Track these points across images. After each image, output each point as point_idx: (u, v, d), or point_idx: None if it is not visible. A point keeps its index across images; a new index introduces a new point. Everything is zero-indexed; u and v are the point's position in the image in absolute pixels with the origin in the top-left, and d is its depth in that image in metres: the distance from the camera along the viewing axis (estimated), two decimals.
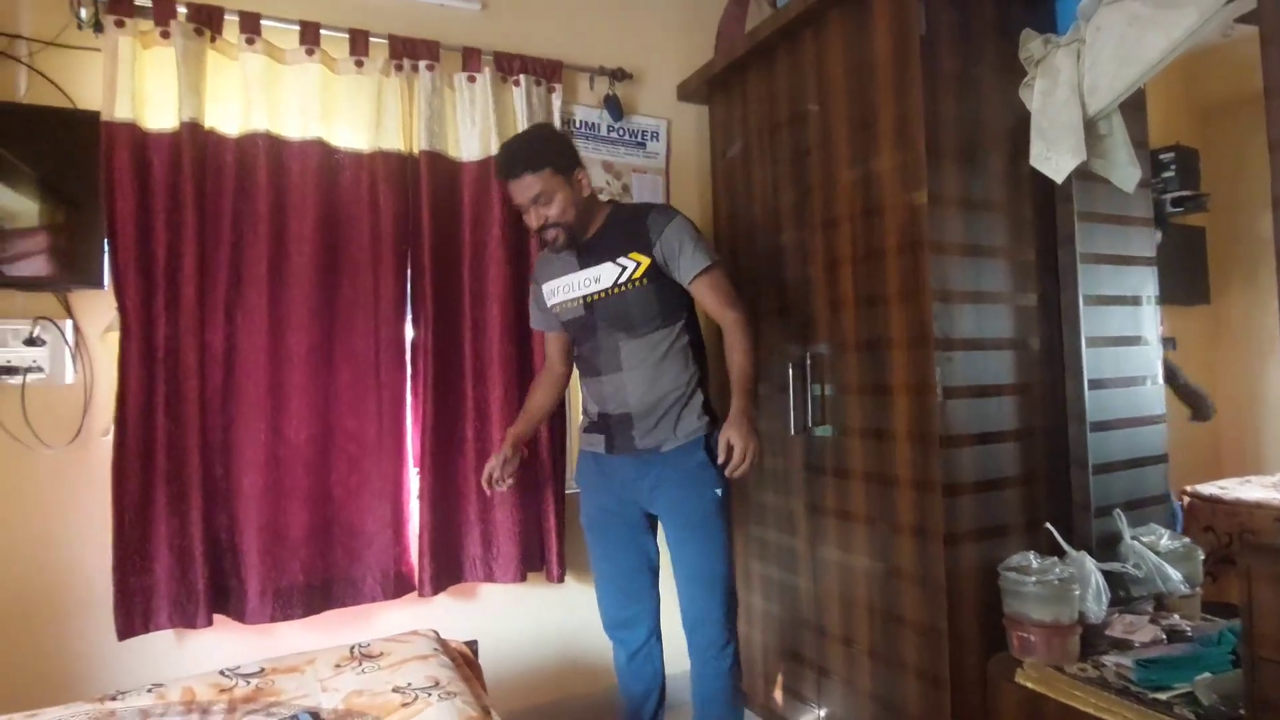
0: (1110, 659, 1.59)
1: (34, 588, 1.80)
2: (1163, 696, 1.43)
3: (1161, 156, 2.55)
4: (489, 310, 2.19)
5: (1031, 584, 1.62)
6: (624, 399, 1.81)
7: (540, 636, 2.29)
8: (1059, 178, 1.75)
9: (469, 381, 2.18)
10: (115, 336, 1.84)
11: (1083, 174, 1.81)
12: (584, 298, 1.82)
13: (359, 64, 2.05)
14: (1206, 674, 1.43)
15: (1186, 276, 2.92)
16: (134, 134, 1.84)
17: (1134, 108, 1.92)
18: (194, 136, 1.88)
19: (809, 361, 2.05)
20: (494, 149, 2.19)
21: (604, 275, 1.80)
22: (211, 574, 1.88)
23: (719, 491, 1.78)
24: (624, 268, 1.78)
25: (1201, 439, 2.68)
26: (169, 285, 1.87)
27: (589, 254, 1.83)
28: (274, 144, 1.98)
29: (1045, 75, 1.79)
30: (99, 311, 1.87)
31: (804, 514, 2.10)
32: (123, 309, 1.82)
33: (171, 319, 1.88)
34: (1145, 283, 2.05)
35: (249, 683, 1.40)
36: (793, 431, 2.09)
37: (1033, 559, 1.67)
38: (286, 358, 1.98)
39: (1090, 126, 1.76)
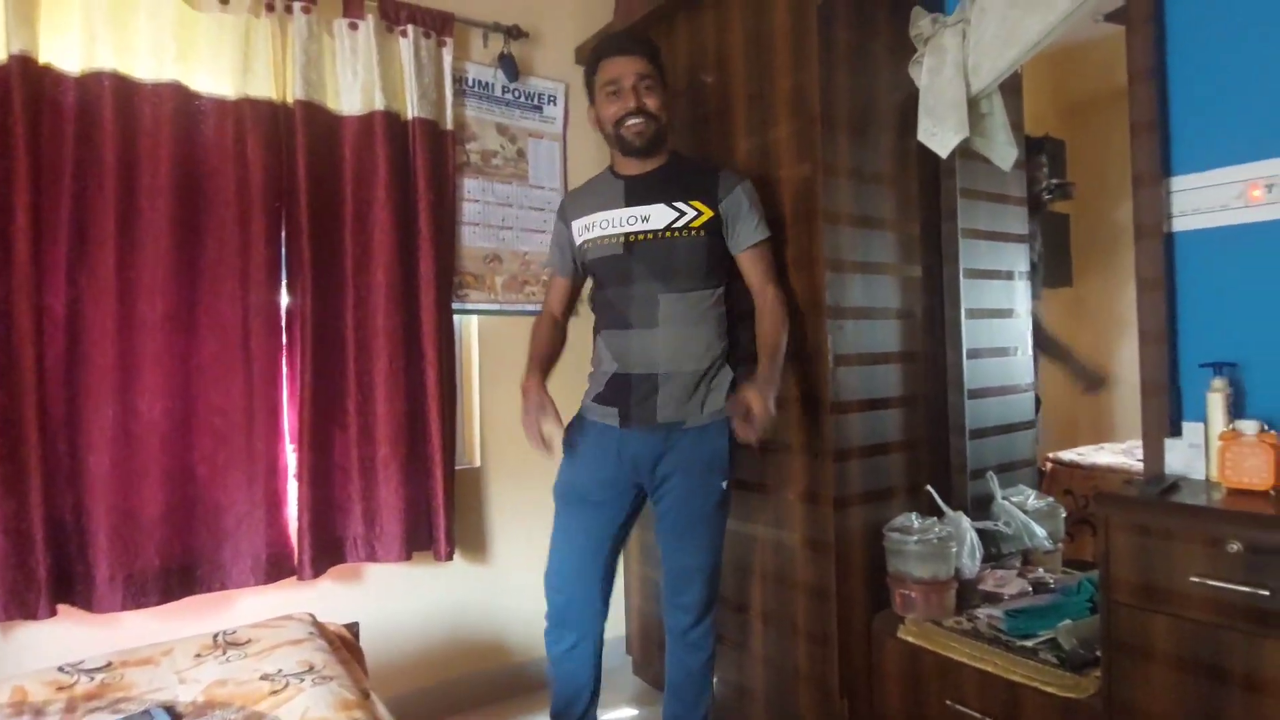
0: (983, 611, 1.68)
1: None
2: (1029, 644, 1.52)
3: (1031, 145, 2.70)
4: (373, 277, 2.06)
5: (913, 543, 1.68)
6: (653, 358, 1.65)
7: (427, 617, 2.20)
8: (944, 153, 1.81)
9: (351, 352, 2.05)
10: None
11: (963, 152, 1.88)
12: (626, 236, 1.67)
13: (223, 1, 1.86)
14: (1067, 620, 1.53)
15: (1052, 260, 3.13)
16: None
17: (1011, 91, 2.01)
18: (25, 72, 1.66)
19: None
20: (378, 104, 2.06)
21: (655, 216, 1.65)
22: (54, 559, 1.69)
23: (726, 485, 1.69)
24: (681, 213, 1.65)
25: (1062, 411, 2.88)
26: None
27: (640, 191, 1.68)
28: (122, 85, 1.78)
29: (933, 53, 1.84)
30: None
31: None
32: None
33: (2, 279, 1.65)
34: (1018, 258, 2.17)
35: (93, 678, 1.25)
36: None
37: (914, 520, 1.74)
38: (140, 324, 1.79)
39: (972, 105, 1.83)
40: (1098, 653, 1.43)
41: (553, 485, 1.79)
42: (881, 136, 1.86)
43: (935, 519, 1.76)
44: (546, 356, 1.79)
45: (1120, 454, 2.98)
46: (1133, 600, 1.26)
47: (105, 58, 1.75)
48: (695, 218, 1.65)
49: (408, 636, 2.15)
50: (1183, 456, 1.48)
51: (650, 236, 1.66)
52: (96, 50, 1.75)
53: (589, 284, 1.88)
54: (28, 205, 1.66)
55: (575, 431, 1.78)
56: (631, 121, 1.65)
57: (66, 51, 1.74)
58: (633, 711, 2.25)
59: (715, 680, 1.85)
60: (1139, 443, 3.15)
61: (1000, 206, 2.11)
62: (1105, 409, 3.43)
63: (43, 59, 1.70)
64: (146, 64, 1.81)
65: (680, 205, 1.66)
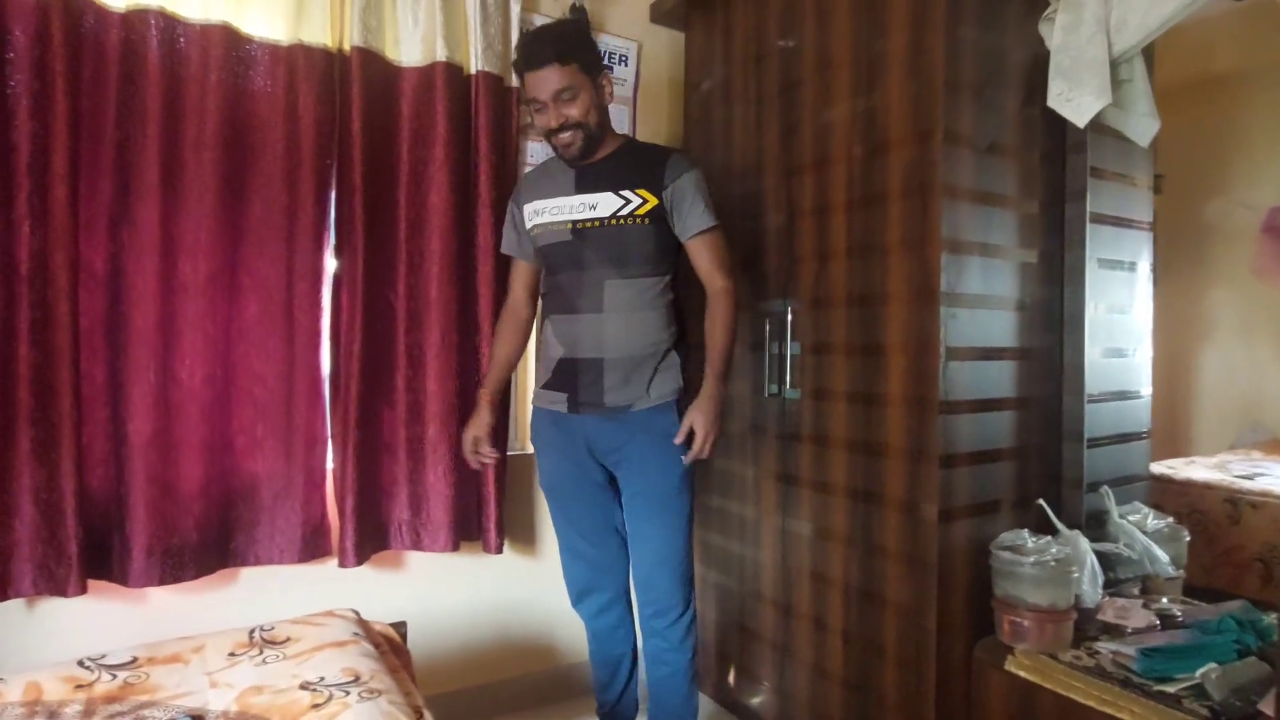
0: (1105, 646, 1.47)
1: None
2: (1170, 689, 1.31)
3: None
4: (428, 242, 1.91)
5: (1029, 565, 1.48)
6: (600, 343, 1.65)
7: (475, 613, 2.06)
8: (1082, 121, 1.58)
9: (401, 324, 1.90)
10: None
11: (1090, 125, 1.65)
12: (574, 223, 1.66)
13: None
14: (1214, 664, 1.32)
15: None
16: None
17: (1147, 60, 1.77)
18: (66, 3, 1.52)
19: (789, 317, 1.85)
20: (439, 55, 1.89)
21: (602, 204, 1.64)
22: (87, 533, 1.58)
23: (685, 464, 1.66)
24: (627, 201, 1.64)
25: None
26: (35, 187, 1.52)
27: (589, 179, 1.67)
28: (169, 24, 1.64)
29: (1069, 9, 1.61)
30: None
31: (773, 484, 1.92)
32: None
33: (39, 229, 1.52)
34: (1142, 248, 1.93)
35: (115, 676, 1.12)
36: (766, 394, 1.90)
37: (1027, 537, 1.53)
38: (181, 285, 1.67)
39: (1111, 69, 1.60)
40: (1260, 706, 1.22)
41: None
42: (1006, 102, 1.64)
43: (1050, 538, 1.55)
44: (505, 361, 1.83)
45: (1214, 469, 2.74)
46: None
47: None
48: (640, 205, 1.64)
49: (453, 632, 2.02)
50: None
51: (598, 224, 1.65)
52: None
53: None
54: (67, 149, 1.53)
55: (535, 425, 1.82)
56: (560, 137, 1.63)
57: None
58: None
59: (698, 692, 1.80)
60: (1231, 456, 2.91)
61: (1127, 189, 1.88)
62: (1182, 419, 3.18)
63: None
64: (196, 2, 1.66)
65: (627, 193, 1.65)
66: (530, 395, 2.16)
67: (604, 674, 1.85)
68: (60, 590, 1.56)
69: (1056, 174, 1.73)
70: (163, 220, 1.64)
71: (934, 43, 1.51)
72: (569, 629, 2.17)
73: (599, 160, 1.68)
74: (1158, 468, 2.69)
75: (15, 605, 1.58)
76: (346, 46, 1.81)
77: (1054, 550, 1.50)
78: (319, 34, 1.77)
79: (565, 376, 1.69)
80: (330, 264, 1.83)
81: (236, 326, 1.73)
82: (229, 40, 1.69)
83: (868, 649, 1.66)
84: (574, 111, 1.59)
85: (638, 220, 1.64)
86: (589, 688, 2.02)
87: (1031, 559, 1.48)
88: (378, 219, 1.85)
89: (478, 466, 1.83)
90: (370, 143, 1.82)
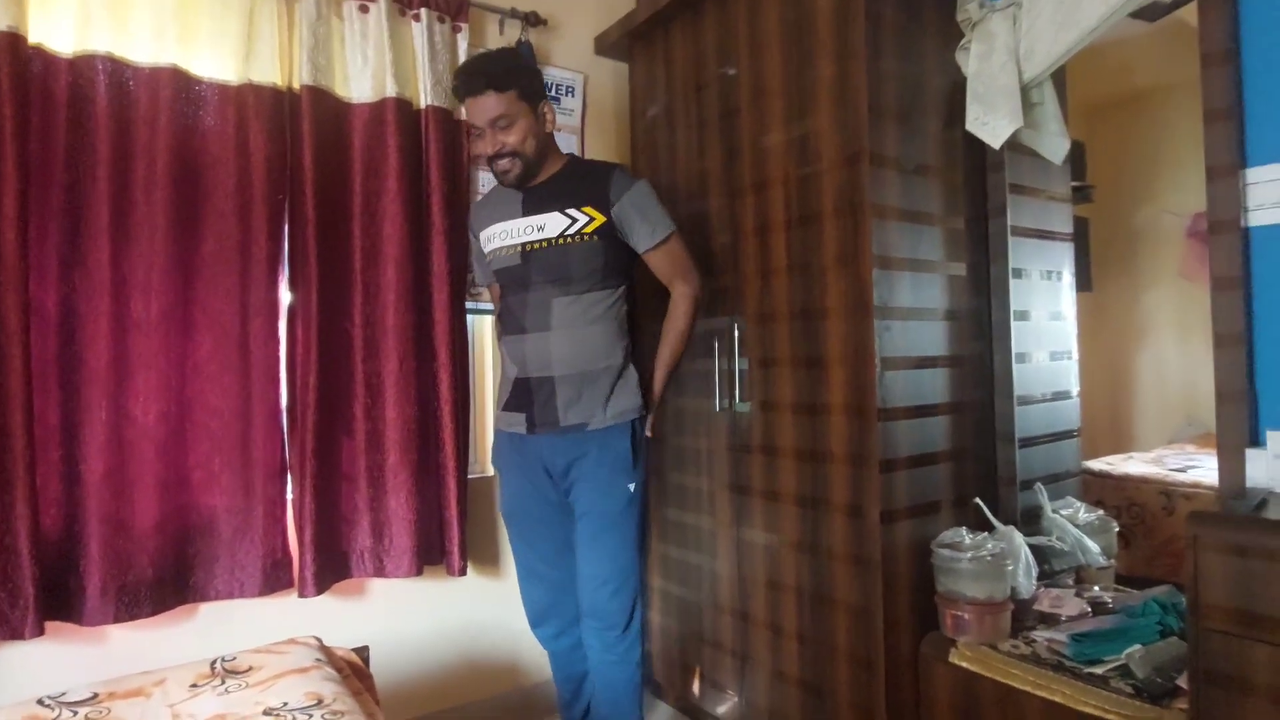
0: (1040, 634, 1.56)
1: None
2: (1098, 670, 1.40)
3: None
4: (383, 272, 1.94)
5: (966, 561, 1.56)
6: (547, 360, 1.68)
7: (439, 636, 2.07)
8: (996, 143, 1.69)
9: (359, 353, 1.93)
10: None
11: (1008, 146, 1.76)
12: (522, 245, 1.70)
13: None
14: (1138, 646, 1.41)
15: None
16: None
17: (1056, 85, 1.90)
18: (14, 51, 1.54)
19: (736, 333, 1.93)
20: (389, 91, 1.94)
21: (549, 224, 1.68)
22: (42, 574, 1.56)
23: (634, 487, 1.72)
24: (573, 220, 1.67)
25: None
26: None
27: (536, 201, 1.71)
28: (117, 69, 1.67)
29: (982, 39, 1.73)
30: None
31: (727, 495, 1.99)
32: None
33: None
34: (1063, 258, 2.06)
35: (75, 713, 1.13)
36: (718, 408, 1.97)
37: (965, 535, 1.62)
38: (134, 323, 1.68)
39: (1023, 94, 1.72)
40: (1178, 682, 1.31)
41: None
42: (928, 125, 1.74)
43: (986, 534, 1.64)
44: None
45: (1150, 463, 2.88)
46: (1228, 627, 1.14)
47: (101, 39, 1.64)
48: (587, 224, 1.67)
49: (418, 657, 2.03)
50: (1266, 468, 1.36)
51: (545, 245, 1.68)
52: (91, 31, 1.64)
53: None
54: (16, 194, 1.54)
55: (497, 449, 1.84)
56: (498, 164, 1.68)
57: (59, 31, 1.63)
58: None
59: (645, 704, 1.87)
60: (1167, 451, 3.05)
61: (1046, 203, 2.00)
62: (1123, 416, 3.33)
63: (33, 38, 1.58)
64: (144, 46, 1.70)
65: (573, 212, 1.68)
66: (489, 417, 2.21)
67: (566, 692, 1.88)
68: (17, 634, 1.55)
69: (979, 191, 1.85)
70: (114, 260, 1.65)
71: (857, 73, 1.61)
72: (534, 649, 2.18)
73: (544, 181, 1.72)
74: (1098, 464, 2.83)
75: None
76: (296, 85, 1.85)
77: (990, 546, 1.59)
78: (269, 73, 1.81)
79: (521, 397, 1.71)
80: (285, 297, 1.86)
81: (191, 363, 1.74)
82: (178, 82, 1.72)
83: (822, 650, 1.72)
84: (511, 139, 1.63)
85: (585, 238, 1.66)
86: (554, 706, 2.04)
87: (969, 555, 1.56)
88: (332, 250, 1.88)
89: None
90: (322, 177, 1.86)
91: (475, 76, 1.62)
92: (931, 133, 1.75)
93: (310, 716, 1.10)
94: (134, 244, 1.67)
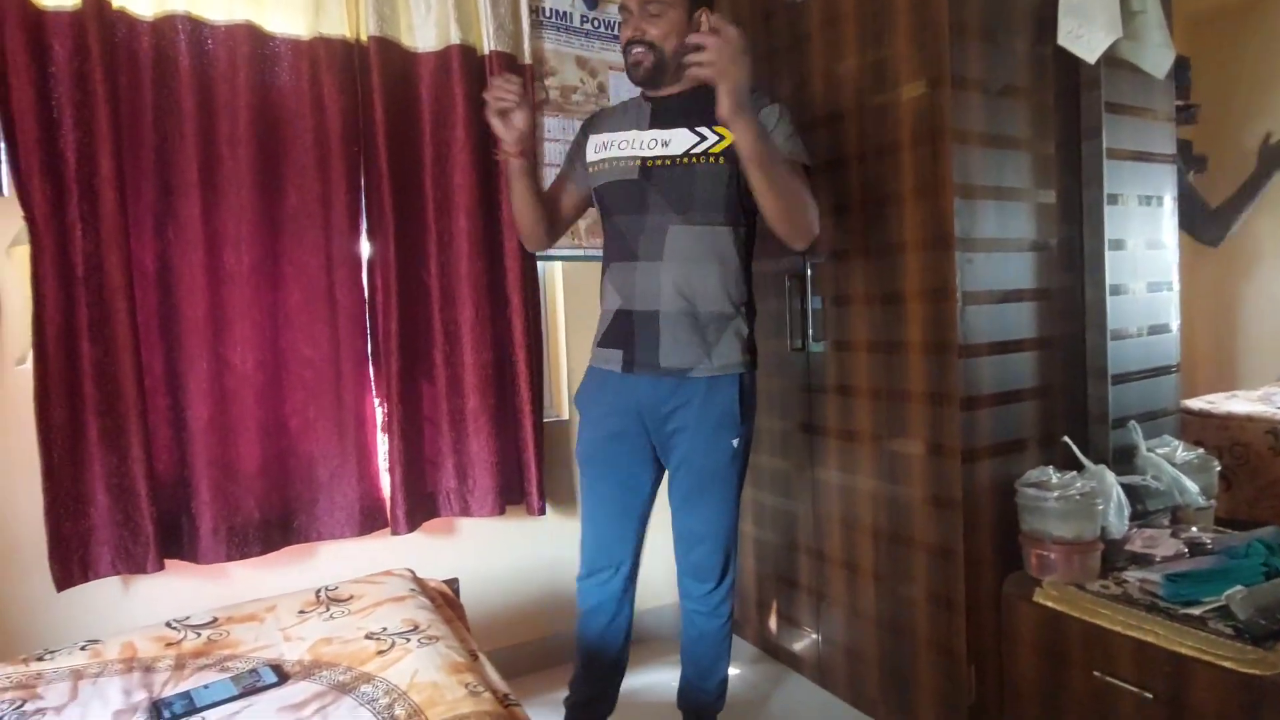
0: (1132, 574, 1.51)
1: None
2: (1195, 611, 1.35)
3: None
4: (456, 222, 1.97)
5: (1053, 500, 1.52)
6: (656, 293, 1.52)
7: (521, 572, 2.16)
8: (1092, 57, 1.58)
9: (436, 302, 1.98)
10: (24, 251, 1.59)
11: (1105, 60, 1.64)
12: (643, 159, 1.53)
13: None
14: (1239, 587, 1.35)
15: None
16: (25, 11, 1.54)
17: None
18: (100, 15, 1.60)
19: (809, 272, 1.88)
20: (453, 38, 1.94)
21: (675, 140, 1.52)
22: (159, 514, 1.69)
23: (737, 443, 1.56)
24: (702, 137, 1.50)
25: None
26: (84, 192, 1.61)
27: (665, 114, 1.55)
28: (195, 27, 1.71)
29: None
30: (0, 222, 1.61)
31: (801, 436, 1.98)
32: (31, 219, 1.57)
33: (90, 231, 1.62)
34: (1165, 182, 1.92)
35: (199, 634, 1.23)
36: (790, 349, 1.95)
37: (1052, 474, 1.57)
38: (227, 276, 1.76)
39: (1122, 2, 1.59)
40: None
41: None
42: (1015, 42, 1.63)
43: (1075, 473, 1.58)
44: (534, 190, 1.60)
45: (1256, 401, 2.71)
46: None
47: None
48: (716, 142, 1.50)
49: (504, 591, 2.12)
50: None
51: (668, 161, 1.52)
52: None
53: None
54: (112, 155, 1.62)
55: (584, 386, 1.68)
56: (632, 50, 1.52)
57: None
58: (733, 671, 2.18)
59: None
60: (1275, 388, 2.85)
61: (1146, 123, 1.86)
62: (1228, 351, 3.12)
63: (116, 3, 1.64)
64: (219, 4, 1.73)
65: (702, 130, 1.51)
66: (563, 360, 2.24)
67: (592, 654, 1.69)
68: (140, 568, 1.69)
69: (1072, 112, 1.73)
70: (204, 215, 1.72)
71: None
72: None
73: (676, 94, 1.55)
74: (1198, 403, 2.67)
75: (111, 582, 1.71)
76: (364, 36, 1.86)
77: (1079, 485, 1.54)
78: (337, 26, 1.83)
79: (620, 332, 1.57)
80: (365, 248, 1.91)
81: (283, 313, 1.82)
82: (253, 38, 1.76)
83: (900, 589, 1.72)
84: (654, 30, 1.48)
85: (711, 159, 1.49)
86: (649, 633, 2.08)
87: (1056, 494, 1.52)
88: (406, 201, 1.92)
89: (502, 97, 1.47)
90: (394, 128, 1.89)
91: None
92: (1019, 51, 1.65)
93: (408, 640, 1.17)
94: (222, 199, 1.74)
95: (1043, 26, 1.65)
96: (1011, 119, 1.62)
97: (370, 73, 1.85)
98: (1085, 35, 1.59)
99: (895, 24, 1.62)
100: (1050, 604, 1.50)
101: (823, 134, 1.83)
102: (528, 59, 2.07)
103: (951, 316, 1.53)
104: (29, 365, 1.59)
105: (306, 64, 1.81)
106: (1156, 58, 1.67)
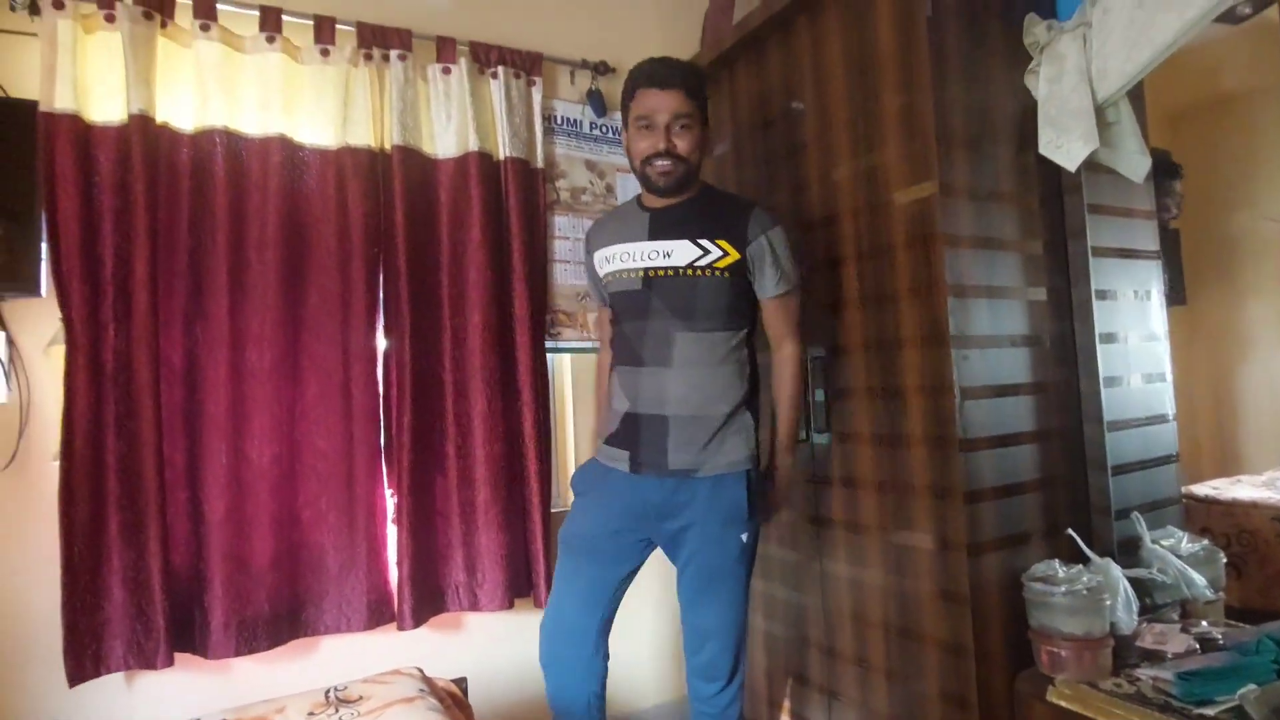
0: (1145, 672, 1.49)
1: None
2: (1209, 712, 1.34)
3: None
4: (469, 318, 2.05)
5: (1060, 594, 1.52)
6: (663, 399, 1.57)
7: (530, 667, 2.10)
8: (1072, 166, 1.67)
9: (449, 395, 2.04)
10: (59, 351, 1.67)
11: (1086, 165, 1.74)
12: (645, 271, 1.59)
13: (325, 53, 1.91)
14: (1252, 686, 1.34)
15: (1164, 278, 2.93)
16: (76, 126, 1.67)
17: (1134, 99, 1.86)
18: (144, 131, 1.72)
19: (809, 366, 1.94)
20: (471, 145, 2.07)
21: (677, 252, 1.57)
22: (172, 608, 1.71)
23: (746, 538, 1.59)
24: (705, 251, 1.56)
25: (1182, 442, 2.68)
26: (119, 293, 1.70)
27: (665, 225, 1.61)
28: (232, 141, 1.84)
29: (1051, 61, 1.72)
30: (35, 322, 1.69)
31: (808, 527, 1.99)
32: (68, 320, 1.65)
33: (122, 331, 1.70)
34: (1150, 277, 1.99)
35: None
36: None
37: (1058, 567, 1.57)
38: (250, 373, 1.83)
39: (1097, 114, 1.70)
40: None
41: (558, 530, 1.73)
42: (999, 152, 1.74)
43: (1081, 566, 1.59)
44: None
45: (1261, 487, 2.70)
46: None
47: (217, 114, 1.81)
48: (720, 258, 1.57)
49: (512, 687, 2.09)
50: None
51: (671, 273, 1.58)
52: (209, 107, 1.81)
53: None
54: (147, 258, 1.71)
55: (585, 476, 1.71)
56: (659, 163, 1.56)
57: (181, 109, 1.81)
58: None
59: None
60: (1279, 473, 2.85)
61: (1127, 221, 1.94)
62: (1229, 436, 3.13)
63: (160, 118, 1.77)
64: (254, 119, 1.86)
65: (705, 243, 1.57)
66: (570, 450, 2.28)
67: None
68: (150, 664, 1.69)
69: (1057, 214, 1.82)
70: (231, 314, 1.81)
71: (923, 103, 1.63)
72: (625, 679, 2.23)
73: (675, 206, 1.62)
74: (1203, 489, 2.67)
75: (115, 678, 1.70)
76: (387, 145, 1.99)
77: (1085, 579, 1.54)
78: (363, 136, 1.96)
79: (628, 433, 1.60)
80: (381, 343, 1.98)
81: (300, 407, 1.87)
82: (285, 149, 1.88)
83: (912, 687, 1.69)
84: (683, 144, 1.55)
85: (716, 273, 1.56)
86: None
87: (1063, 588, 1.52)
88: (423, 299, 2.00)
89: None
90: (413, 230, 1.99)
91: (673, 71, 1.56)
92: (1003, 158, 1.74)
93: None
94: (248, 299, 1.83)
95: (1025, 136, 1.76)
96: (999, 221, 1.71)
97: (393, 179, 1.97)
98: (1064, 145, 1.68)
99: (885, 134, 1.73)
100: (1064, 703, 1.48)
101: (820, 235, 1.92)
102: (540, 163, 2.20)
103: (950, 411, 1.57)
104: (56, 461, 1.63)
105: (333, 171, 1.93)
106: (1132, 164, 1.76)
